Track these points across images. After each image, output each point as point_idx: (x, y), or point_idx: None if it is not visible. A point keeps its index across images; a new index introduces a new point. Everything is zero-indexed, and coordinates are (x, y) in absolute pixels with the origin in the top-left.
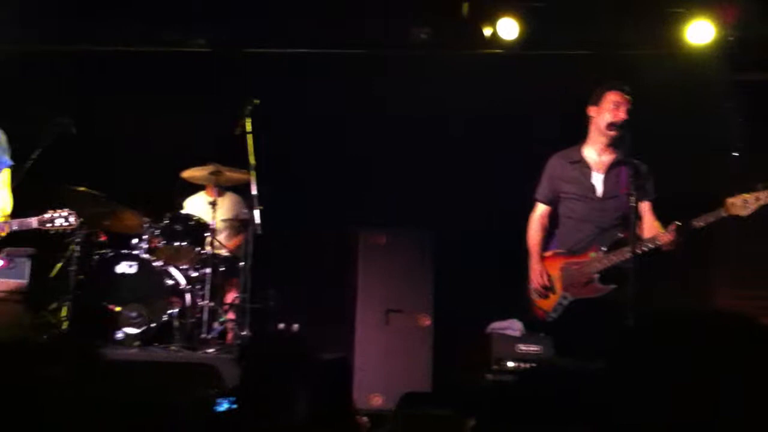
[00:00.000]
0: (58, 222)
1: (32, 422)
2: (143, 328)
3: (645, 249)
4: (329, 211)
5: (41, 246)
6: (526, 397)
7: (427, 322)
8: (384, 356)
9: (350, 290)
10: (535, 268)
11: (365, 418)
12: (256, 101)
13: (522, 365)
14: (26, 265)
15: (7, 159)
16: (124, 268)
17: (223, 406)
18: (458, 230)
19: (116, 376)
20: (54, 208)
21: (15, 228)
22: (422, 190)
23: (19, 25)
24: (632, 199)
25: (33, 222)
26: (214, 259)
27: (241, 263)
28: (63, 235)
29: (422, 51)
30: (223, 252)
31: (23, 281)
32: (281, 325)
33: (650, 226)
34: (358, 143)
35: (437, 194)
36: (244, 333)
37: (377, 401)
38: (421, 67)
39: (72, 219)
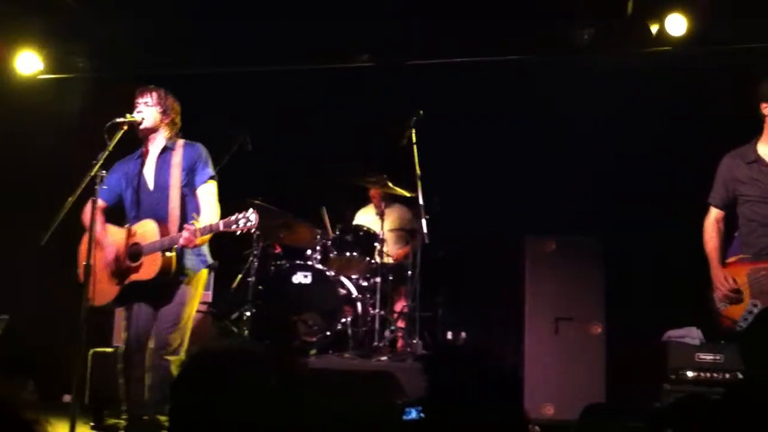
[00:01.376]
0: (241, 222)
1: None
2: (319, 336)
3: None
4: (496, 218)
5: (222, 258)
6: (741, 413)
7: (598, 330)
8: (554, 365)
9: (518, 298)
10: (717, 274)
11: (537, 428)
12: (421, 111)
13: (702, 375)
14: (211, 277)
15: (209, 170)
16: (300, 278)
17: (412, 414)
18: (628, 235)
19: (314, 384)
20: (239, 212)
21: (204, 233)
22: (590, 194)
23: (193, 47)
24: None
25: (219, 225)
26: (383, 269)
27: (409, 272)
28: (244, 241)
29: (586, 52)
30: (392, 261)
31: (208, 292)
32: (449, 334)
33: None
34: (524, 148)
35: (605, 198)
36: (415, 341)
37: (549, 411)
38: (585, 69)
39: (253, 217)
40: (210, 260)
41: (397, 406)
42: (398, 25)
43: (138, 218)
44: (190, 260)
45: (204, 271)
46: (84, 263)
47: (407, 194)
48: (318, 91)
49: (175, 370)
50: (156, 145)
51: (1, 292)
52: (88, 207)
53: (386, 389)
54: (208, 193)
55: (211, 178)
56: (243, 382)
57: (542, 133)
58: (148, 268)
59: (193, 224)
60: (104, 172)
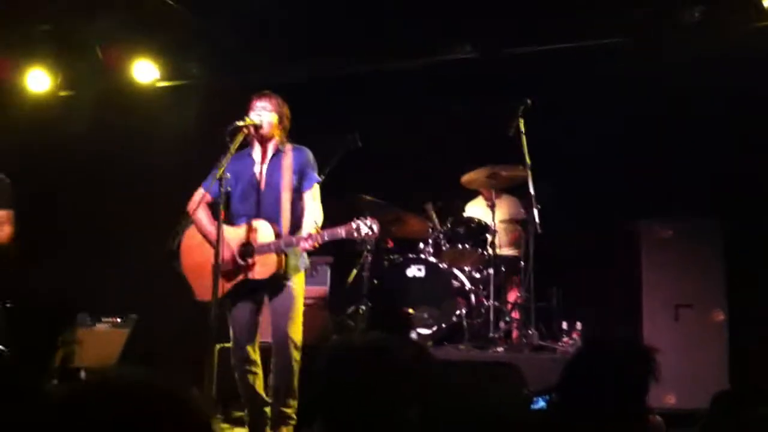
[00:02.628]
0: (363, 230)
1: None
2: (434, 329)
3: None
4: (609, 205)
5: (337, 254)
6: None
7: (720, 317)
8: (675, 353)
9: (634, 285)
10: None
11: (659, 418)
12: (528, 101)
13: None
14: (327, 273)
15: (315, 175)
16: (414, 271)
17: (539, 403)
18: (750, 217)
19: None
20: (357, 217)
21: (326, 238)
22: (706, 175)
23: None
24: None
25: (341, 232)
26: (495, 260)
27: (522, 263)
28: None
29: (696, 30)
30: (504, 252)
31: (325, 287)
32: (564, 324)
33: None
34: (633, 133)
35: (723, 179)
36: (531, 332)
37: (670, 400)
38: (694, 48)
39: (375, 227)
40: (307, 263)
41: (525, 395)
42: (499, 13)
43: (247, 216)
44: (294, 260)
45: (303, 273)
46: (192, 260)
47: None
48: (423, 85)
49: (295, 363)
50: (267, 147)
51: (130, 293)
52: (195, 196)
53: (511, 379)
54: (313, 197)
55: (317, 182)
56: (383, 374)
57: (655, 116)
58: (263, 268)
59: (317, 232)
60: (228, 174)
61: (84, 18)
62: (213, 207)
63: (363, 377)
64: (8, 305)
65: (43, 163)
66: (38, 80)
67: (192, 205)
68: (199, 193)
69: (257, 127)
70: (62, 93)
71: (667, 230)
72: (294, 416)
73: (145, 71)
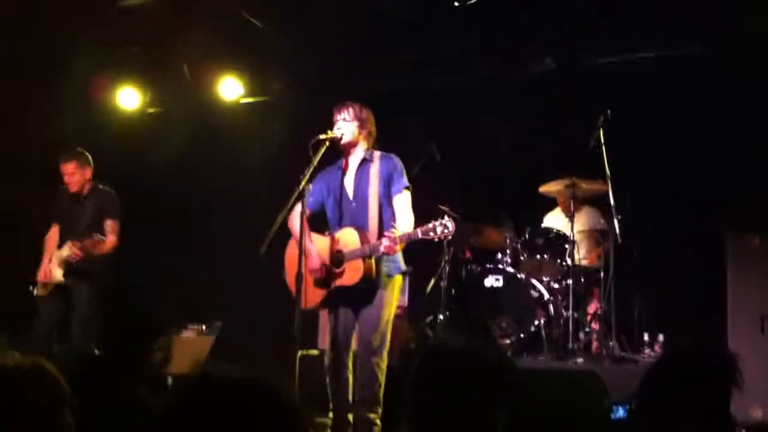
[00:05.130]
0: (439, 230)
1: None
2: (513, 339)
3: None
4: (693, 215)
5: (416, 264)
6: None
7: None
8: (762, 365)
9: (719, 296)
10: None
11: None
12: (608, 111)
13: None
14: (405, 282)
15: (403, 181)
16: (492, 281)
17: (620, 413)
18: None
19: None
20: (435, 219)
21: (403, 241)
22: None
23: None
24: None
25: (417, 233)
26: (574, 271)
27: (602, 273)
28: (435, 247)
29: None
30: (584, 263)
31: (404, 297)
32: (646, 336)
33: None
34: (717, 141)
35: None
36: (612, 343)
37: (757, 414)
38: None
39: (450, 225)
40: (404, 267)
41: (606, 404)
42: (579, 26)
43: (339, 226)
44: (387, 266)
45: (399, 277)
46: (295, 270)
47: (598, 191)
48: (501, 97)
49: (379, 371)
50: (355, 156)
51: (215, 301)
52: (294, 213)
53: (591, 388)
54: (403, 203)
55: (406, 188)
56: (474, 376)
57: (738, 124)
58: (351, 274)
59: (393, 233)
60: (310, 185)
61: (172, 38)
62: (313, 221)
63: (455, 378)
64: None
65: (134, 177)
66: (129, 98)
67: (291, 219)
68: (298, 207)
69: (339, 139)
70: (151, 110)
71: (754, 240)
72: (378, 422)
73: (231, 88)
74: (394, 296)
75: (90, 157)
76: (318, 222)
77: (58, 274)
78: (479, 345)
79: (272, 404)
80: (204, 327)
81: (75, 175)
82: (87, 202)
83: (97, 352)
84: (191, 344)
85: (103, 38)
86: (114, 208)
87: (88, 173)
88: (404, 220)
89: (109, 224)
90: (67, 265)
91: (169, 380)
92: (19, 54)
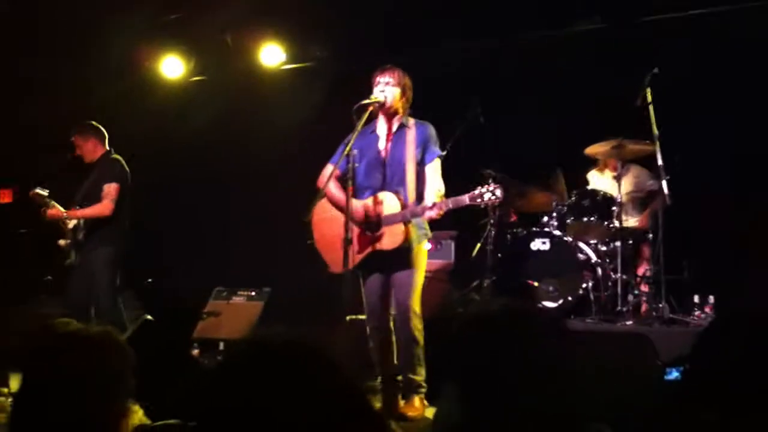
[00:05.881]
0: (486, 196)
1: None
2: (560, 302)
3: None
4: (743, 175)
5: (461, 228)
6: None
7: None
8: None
9: None
10: None
11: None
12: (655, 70)
13: None
14: (451, 247)
15: (437, 149)
16: (538, 245)
17: (673, 374)
18: None
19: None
20: (482, 185)
21: (450, 206)
22: None
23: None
24: None
25: (465, 199)
26: (622, 233)
27: (650, 235)
28: (480, 211)
29: None
30: (631, 225)
31: (449, 261)
32: (696, 298)
33: None
34: (765, 99)
35: None
36: (662, 305)
37: None
38: None
39: (498, 192)
40: (429, 233)
41: (658, 366)
42: None
43: (372, 190)
44: (416, 231)
45: (425, 241)
46: (324, 234)
47: (645, 151)
48: (548, 57)
49: (418, 332)
50: (391, 122)
51: (264, 266)
52: (325, 172)
53: (643, 350)
54: (435, 170)
55: (439, 156)
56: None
57: None
58: (392, 239)
59: (441, 199)
60: (355, 151)
61: (214, 5)
62: (341, 182)
63: (502, 338)
64: (150, 280)
65: (177, 145)
66: (172, 67)
67: (322, 180)
68: (328, 169)
69: (381, 104)
70: (194, 78)
71: None
72: (424, 384)
73: (272, 55)
74: (424, 260)
75: (97, 128)
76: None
77: (61, 242)
78: (524, 306)
79: (319, 365)
80: (253, 293)
81: (81, 147)
82: (93, 172)
83: (149, 317)
84: (241, 309)
85: (146, 5)
86: (111, 173)
87: (94, 144)
88: (435, 185)
89: (104, 189)
90: (73, 235)
91: (221, 345)
92: (63, 21)
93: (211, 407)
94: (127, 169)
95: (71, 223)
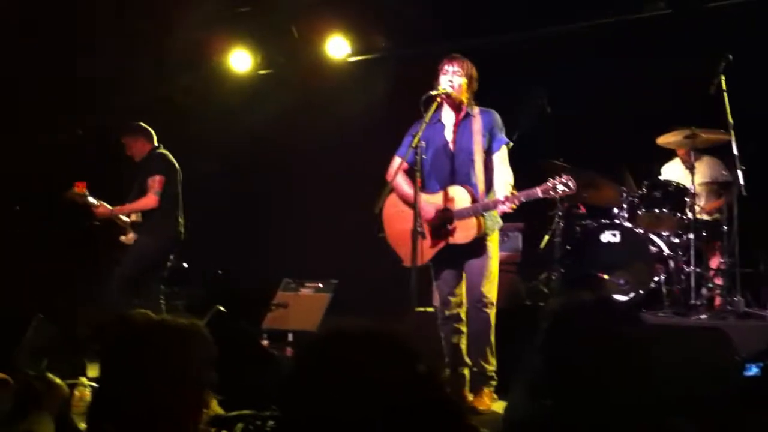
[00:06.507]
0: (560, 188)
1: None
2: (631, 295)
3: None
4: None
5: (529, 220)
6: None
7: None
8: None
9: None
10: None
11: None
12: (729, 56)
13: None
14: (519, 239)
15: (503, 137)
16: (608, 237)
17: (752, 370)
18: None
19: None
20: (554, 177)
21: (523, 199)
22: None
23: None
24: None
25: (537, 192)
26: (695, 224)
27: (725, 227)
28: (548, 203)
29: None
30: (704, 216)
31: (517, 253)
32: None
33: None
34: None
35: None
36: (737, 299)
37: None
38: None
39: (571, 184)
40: (500, 222)
41: (737, 361)
42: None
43: (440, 181)
44: (489, 221)
45: (497, 231)
46: (394, 228)
47: (719, 140)
48: (614, 45)
49: (491, 323)
50: (457, 112)
51: (331, 259)
52: (393, 165)
53: (720, 344)
54: (502, 159)
55: (506, 144)
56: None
57: None
58: (465, 232)
59: (513, 193)
60: (423, 143)
61: None
62: (408, 174)
63: (592, 330)
64: (220, 272)
65: (245, 137)
66: (240, 60)
67: (390, 172)
68: (396, 161)
69: (448, 94)
70: (262, 71)
71: None
72: (495, 376)
73: (338, 47)
74: (497, 249)
75: (143, 127)
76: (411, 177)
77: (122, 238)
78: (613, 301)
79: (401, 356)
80: (321, 284)
81: (131, 147)
82: (141, 169)
83: (222, 308)
84: (309, 301)
85: None
86: (156, 166)
87: (142, 143)
88: (505, 176)
89: (149, 182)
90: (133, 229)
91: (289, 336)
92: (132, 14)
93: (294, 397)
94: (174, 161)
95: (128, 219)
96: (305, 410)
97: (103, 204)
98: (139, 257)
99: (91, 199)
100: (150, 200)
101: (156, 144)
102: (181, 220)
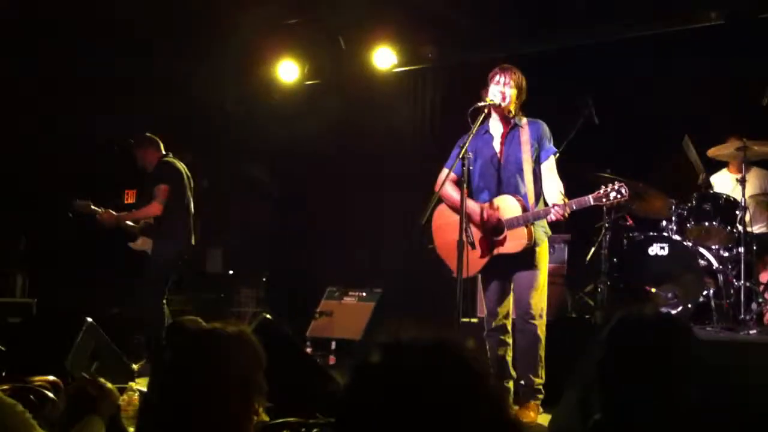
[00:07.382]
0: (612, 195)
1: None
2: (680, 308)
3: None
4: None
5: (575, 232)
6: None
7: None
8: None
9: None
10: None
11: None
12: None
13: None
14: (565, 250)
15: (551, 147)
16: (656, 249)
17: None
18: None
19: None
20: (605, 185)
21: (575, 207)
22: None
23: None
24: None
25: (589, 199)
26: (746, 238)
27: None
28: (594, 214)
29: None
30: (756, 230)
31: (563, 265)
32: None
33: None
34: None
35: None
36: None
37: None
38: None
39: (624, 191)
40: (549, 231)
41: None
42: None
43: (488, 192)
44: (538, 231)
45: (546, 240)
46: (444, 239)
47: None
48: (665, 55)
49: (540, 334)
50: (505, 122)
51: (376, 267)
52: (441, 176)
53: None
54: (550, 168)
55: (554, 153)
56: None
57: None
58: (516, 242)
59: (565, 201)
60: (470, 153)
61: (327, 9)
62: (457, 185)
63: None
64: (264, 279)
65: (292, 148)
66: (288, 71)
67: (439, 183)
68: (444, 172)
69: (497, 106)
70: (309, 82)
71: None
72: (542, 389)
73: (385, 58)
74: (546, 259)
75: (152, 138)
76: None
77: (131, 245)
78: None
79: (466, 369)
80: (365, 293)
81: (142, 158)
82: (149, 178)
83: (268, 316)
84: (353, 310)
85: (263, 10)
86: (161, 175)
87: (151, 154)
88: (555, 185)
89: (155, 191)
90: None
91: (333, 344)
92: (182, 24)
93: (355, 408)
94: (181, 169)
95: (136, 225)
96: (367, 422)
97: (108, 211)
98: (161, 263)
99: (97, 208)
100: (154, 208)
101: (164, 152)
102: (190, 226)
